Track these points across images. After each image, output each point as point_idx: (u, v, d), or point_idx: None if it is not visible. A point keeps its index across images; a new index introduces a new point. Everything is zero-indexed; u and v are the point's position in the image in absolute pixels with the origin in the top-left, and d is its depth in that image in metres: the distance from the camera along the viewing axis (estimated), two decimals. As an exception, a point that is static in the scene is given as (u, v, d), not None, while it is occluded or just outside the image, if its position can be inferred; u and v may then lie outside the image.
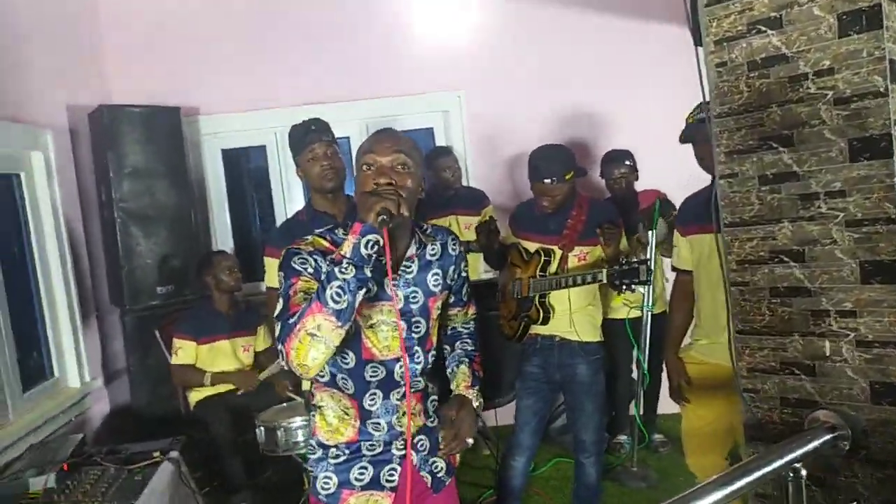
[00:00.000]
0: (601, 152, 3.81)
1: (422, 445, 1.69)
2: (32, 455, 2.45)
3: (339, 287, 1.37)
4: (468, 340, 1.85)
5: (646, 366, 3.48)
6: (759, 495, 1.61)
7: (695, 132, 2.36)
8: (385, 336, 1.58)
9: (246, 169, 4.57)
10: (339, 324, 1.38)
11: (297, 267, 1.51)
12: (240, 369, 3.44)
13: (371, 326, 1.58)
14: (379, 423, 1.62)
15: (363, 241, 1.40)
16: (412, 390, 1.64)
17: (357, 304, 1.40)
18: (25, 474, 2.23)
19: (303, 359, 1.39)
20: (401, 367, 1.59)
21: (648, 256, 3.11)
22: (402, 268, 1.61)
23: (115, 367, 3.62)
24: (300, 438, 2.88)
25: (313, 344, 1.38)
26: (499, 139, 4.17)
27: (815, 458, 1.49)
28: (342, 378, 1.60)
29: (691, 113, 2.42)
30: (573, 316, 2.66)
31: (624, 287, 2.49)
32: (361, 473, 1.62)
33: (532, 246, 2.71)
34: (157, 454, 2.44)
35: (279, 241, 2.39)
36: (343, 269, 1.38)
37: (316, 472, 1.64)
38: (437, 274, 1.65)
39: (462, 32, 4.17)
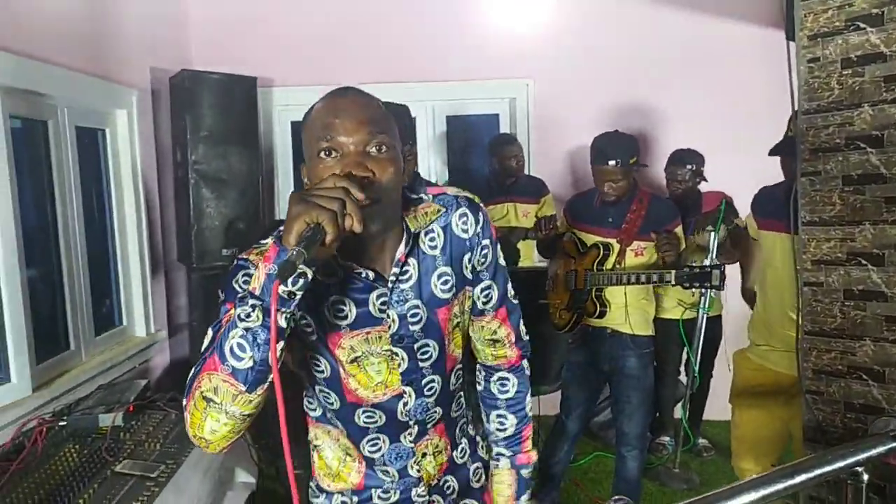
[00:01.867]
0: (662, 150, 3.77)
1: (449, 488, 1.29)
2: (101, 395, 2.58)
3: (242, 338, 0.93)
4: (507, 416, 1.31)
5: (696, 368, 3.44)
6: (812, 498, 1.59)
7: (788, 146, 2.31)
8: (377, 371, 1.14)
9: (313, 142, 4.67)
10: (244, 389, 0.94)
11: (237, 287, 1.06)
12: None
13: (355, 361, 1.14)
14: (388, 471, 1.24)
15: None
16: (430, 424, 1.23)
17: (273, 363, 0.93)
18: (95, 411, 2.36)
19: (197, 429, 0.97)
20: (405, 404, 1.18)
21: (713, 260, 3.07)
22: (392, 277, 1.12)
23: (178, 322, 3.77)
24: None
25: (209, 412, 0.96)
26: (562, 129, 4.16)
27: (876, 466, 1.47)
28: (332, 418, 1.22)
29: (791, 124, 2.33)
30: (628, 309, 2.65)
31: (693, 289, 2.49)
32: None
33: (590, 238, 2.71)
34: (216, 405, 2.54)
35: None
36: (246, 314, 0.93)
37: None
38: (444, 273, 1.16)
39: (533, 20, 4.16)
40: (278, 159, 4.30)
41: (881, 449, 1.39)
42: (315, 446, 1.28)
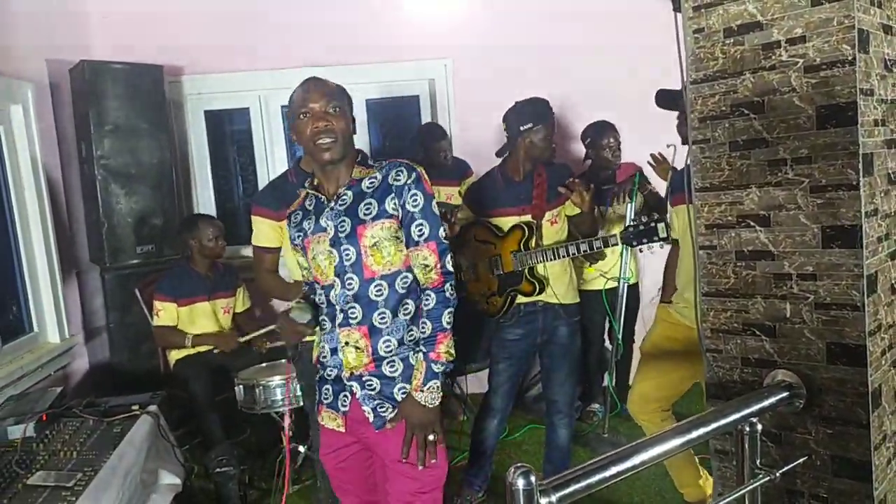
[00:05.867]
0: (580, 123, 3.83)
1: (369, 384, 1.75)
2: (11, 406, 2.47)
3: None
4: (427, 322, 1.74)
5: (619, 336, 3.54)
6: (719, 451, 1.67)
7: (662, 98, 2.43)
8: (324, 263, 1.76)
9: (229, 131, 4.54)
10: None
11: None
12: (219, 330, 3.46)
13: (314, 257, 1.77)
14: (325, 348, 1.81)
15: None
16: (354, 322, 1.73)
17: None
18: (4, 423, 2.26)
19: None
20: (334, 291, 1.75)
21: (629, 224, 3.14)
22: (334, 201, 1.75)
23: (95, 325, 3.62)
24: (279, 397, 2.92)
25: None
26: (486, 107, 4.16)
27: (771, 416, 1.56)
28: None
29: None
30: (556, 281, 2.68)
31: (640, 247, 2.48)
32: (326, 394, 1.83)
33: (505, 221, 2.69)
34: (136, 407, 2.47)
35: (266, 200, 2.39)
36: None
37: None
38: (369, 204, 1.73)
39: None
40: (193, 150, 4.15)
41: (773, 399, 1.47)
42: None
